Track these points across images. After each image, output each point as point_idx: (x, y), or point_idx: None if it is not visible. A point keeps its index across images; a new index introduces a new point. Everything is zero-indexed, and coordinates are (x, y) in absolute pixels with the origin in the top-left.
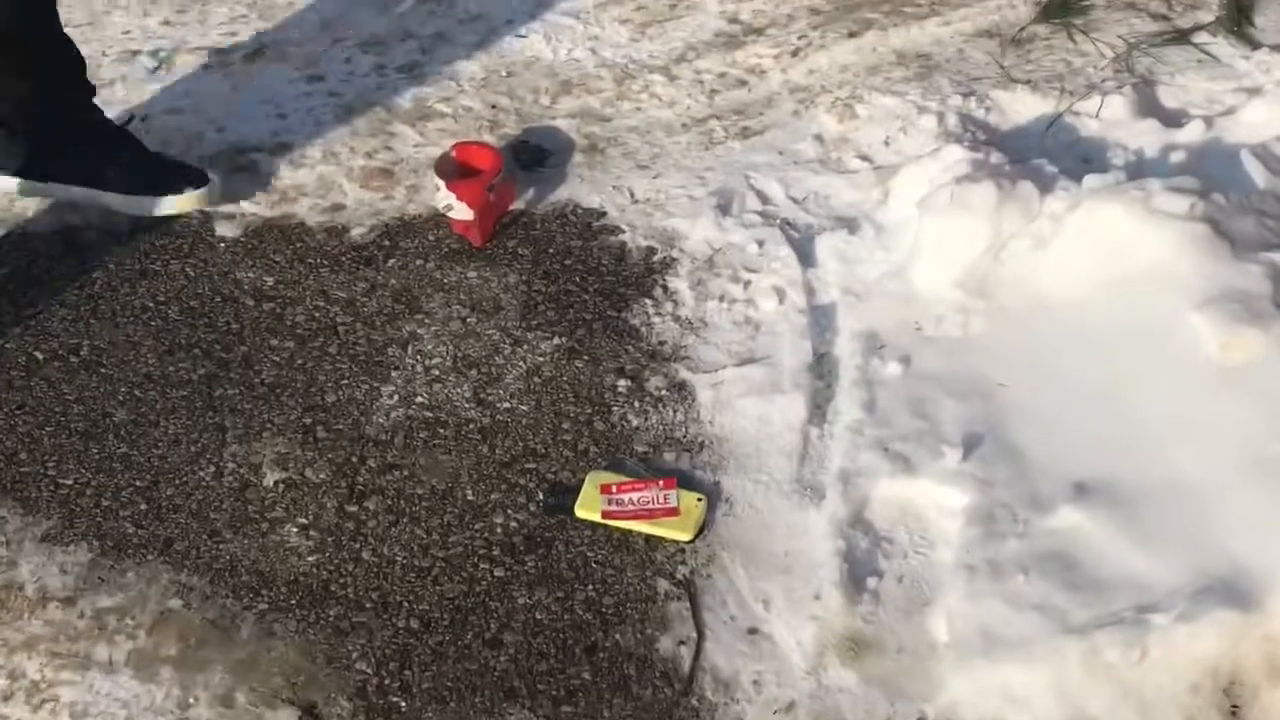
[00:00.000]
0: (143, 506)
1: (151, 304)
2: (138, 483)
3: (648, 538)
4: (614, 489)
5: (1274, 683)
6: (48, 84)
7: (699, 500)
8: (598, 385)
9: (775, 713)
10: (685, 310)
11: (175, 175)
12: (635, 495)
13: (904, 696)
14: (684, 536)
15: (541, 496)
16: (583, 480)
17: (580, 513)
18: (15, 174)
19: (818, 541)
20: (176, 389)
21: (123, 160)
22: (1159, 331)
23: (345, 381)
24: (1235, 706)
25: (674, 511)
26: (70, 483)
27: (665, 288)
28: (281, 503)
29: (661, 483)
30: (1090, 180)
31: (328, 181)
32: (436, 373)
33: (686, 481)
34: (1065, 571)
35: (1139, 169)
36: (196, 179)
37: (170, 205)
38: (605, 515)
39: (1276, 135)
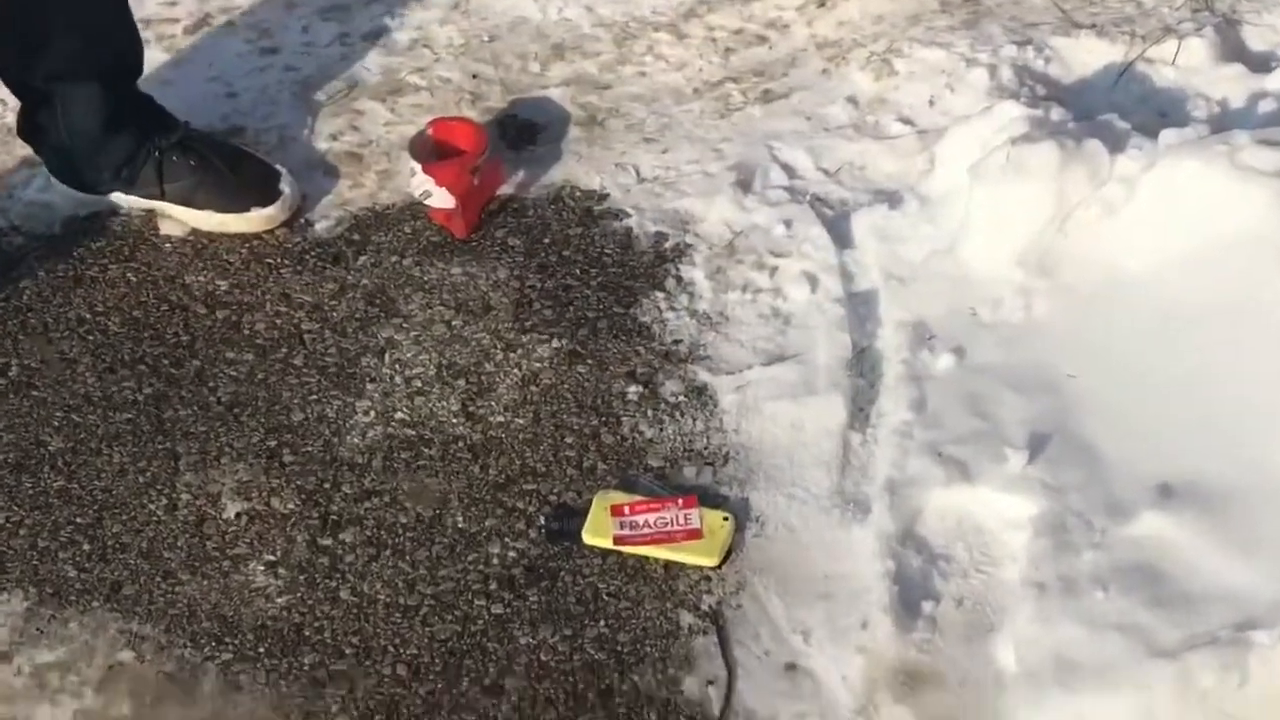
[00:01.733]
0: (85, 547)
1: (89, 315)
2: (79, 520)
3: (667, 565)
4: (626, 510)
5: None
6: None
7: (725, 520)
8: (604, 393)
9: None
10: (703, 304)
11: (245, 186)
12: (651, 517)
13: None
14: (709, 561)
15: (543, 521)
16: (590, 502)
17: (589, 539)
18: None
19: (863, 562)
20: (120, 411)
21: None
22: (1251, 305)
23: (313, 397)
24: None
25: (696, 533)
26: (0, 522)
27: (679, 279)
28: (244, 537)
29: (681, 501)
30: (1167, 136)
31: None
32: (418, 384)
33: (710, 500)
34: (1150, 586)
35: (1223, 121)
36: (264, 193)
37: (232, 225)
38: (618, 541)
39: None
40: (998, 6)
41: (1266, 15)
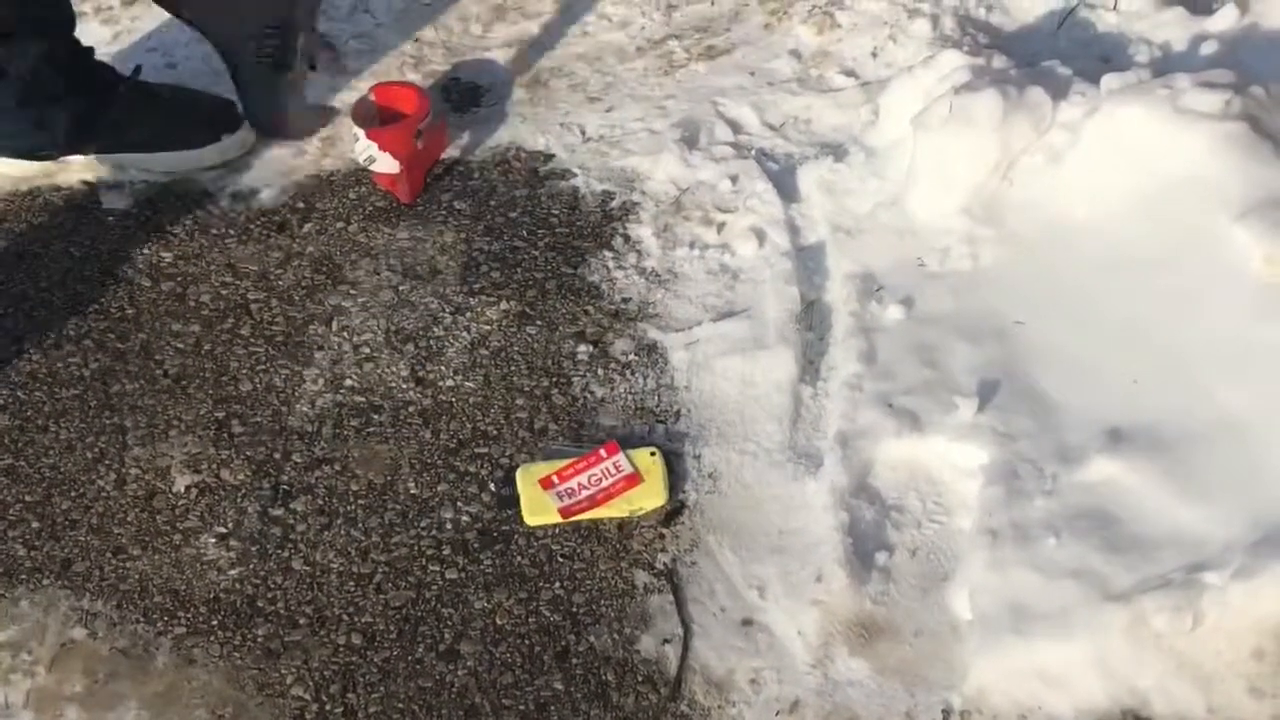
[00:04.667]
0: (34, 524)
1: (32, 291)
2: (27, 498)
3: (621, 524)
4: (555, 480)
5: None
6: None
7: (652, 454)
8: (554, 353)
9: (778, 714)
10: (651, 261)
11: (204, 120)
12: (584, 478)
13: (925, 685)
14: (658, 501)
15: (494, 487)
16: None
17: (532, 520)
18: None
19: (817, 516)
20: (66, 387)
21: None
22: (1196, 250)
23: (261, 367)
24: None
25: (635, 479)
26: None
27: (627, 237)
28: (195, 510)
29: (604, 451)
30: (1109, 81)
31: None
32: (367, 350)
33: (641, 444)
34: (1102, 531)
35: (1165, 65)
36: (229, 120)
37: (208, 158)
38: (565, 513)
39: None
40: None
41: None
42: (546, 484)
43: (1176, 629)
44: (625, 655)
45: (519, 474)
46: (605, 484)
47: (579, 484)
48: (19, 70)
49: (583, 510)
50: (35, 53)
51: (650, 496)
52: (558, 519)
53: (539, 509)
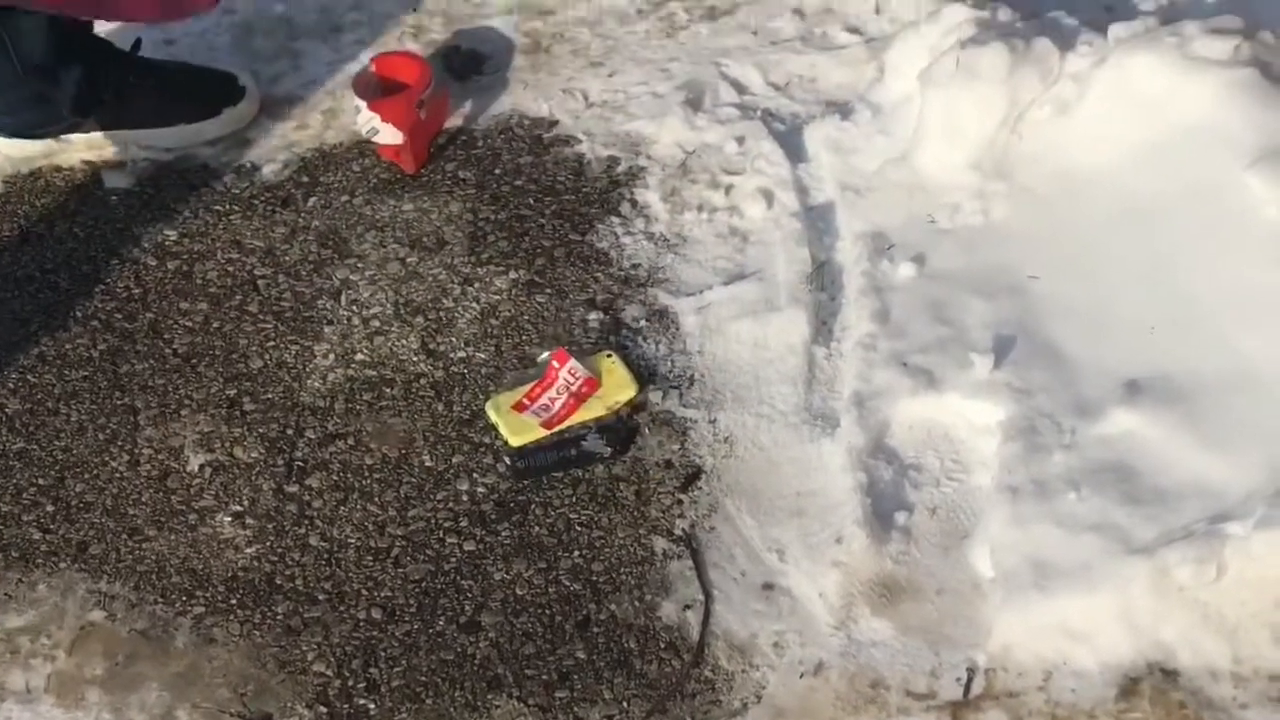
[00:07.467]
0: (49, 508)
1: (37, 273)
2: (40, 481)
3: (638, 491)
4: (526, 402)
5: None
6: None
7: (609, 356)
8: (565, 321)
9: (802, 676)
10: (659, 226)
11: (205, 94)
12: (552, 392)
13: (949, 644)
14: (630, 392)
15: (508, 459)
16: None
17: (516, 441)
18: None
19: (834, 477)
20: (75, 369)
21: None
22: (1209, 197)
23: (271, 343)
24: None
25: (594, 382)
26: None
27: (634, 202)
28: (210, 489)
29: (555, 362)
30: (1116, 30)
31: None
32: (377, 324)
33: (678, 423)
34: (1122, 484)
35: (1172, 12)
36: (229, 93)
37: (210, 131)
38: (549, 425)
39: None
40: None
41: None
42: (520, 408)
43: (1200, 580)
44: (647, 622)
45: (489, 406)
46: (573, 389)
47: (549, 399)
48: (28, 41)
49: (562, 419)
50: (42, 24)
51: (621, 390)
52: (543, 432)
53: (521, 429)
